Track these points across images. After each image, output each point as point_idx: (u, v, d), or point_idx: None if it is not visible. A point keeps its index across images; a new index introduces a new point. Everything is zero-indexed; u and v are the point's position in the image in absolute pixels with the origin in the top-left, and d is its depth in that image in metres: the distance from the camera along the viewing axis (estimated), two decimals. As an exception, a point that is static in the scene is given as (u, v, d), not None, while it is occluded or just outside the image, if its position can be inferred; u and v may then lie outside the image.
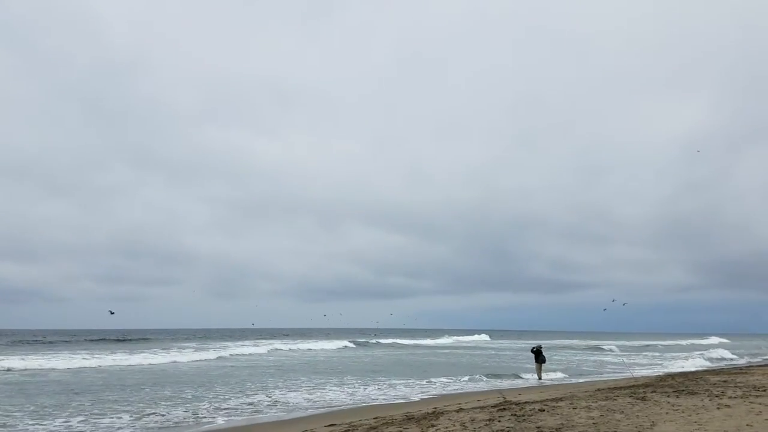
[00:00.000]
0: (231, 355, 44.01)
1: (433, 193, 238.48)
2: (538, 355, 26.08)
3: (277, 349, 52.61)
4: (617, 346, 66.23)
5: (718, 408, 11.85)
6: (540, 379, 25.62)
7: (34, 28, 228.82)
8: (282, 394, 20.23)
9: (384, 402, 18.52)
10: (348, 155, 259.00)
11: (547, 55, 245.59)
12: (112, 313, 42.22)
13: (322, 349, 55.78)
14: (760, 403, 12.32)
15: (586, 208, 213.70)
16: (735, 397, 13.50)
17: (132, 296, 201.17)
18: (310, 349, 54.64)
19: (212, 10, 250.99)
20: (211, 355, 42.10)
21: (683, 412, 11.46)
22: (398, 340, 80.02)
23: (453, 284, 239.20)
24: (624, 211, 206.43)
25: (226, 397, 19.49)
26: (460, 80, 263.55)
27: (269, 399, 19.04)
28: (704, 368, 33.04)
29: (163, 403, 18.00)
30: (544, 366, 26.73)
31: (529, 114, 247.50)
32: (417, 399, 19.11)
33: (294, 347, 55.03)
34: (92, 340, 72.38)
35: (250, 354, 46.41)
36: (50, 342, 66.90)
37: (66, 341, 69.59)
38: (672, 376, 24.48)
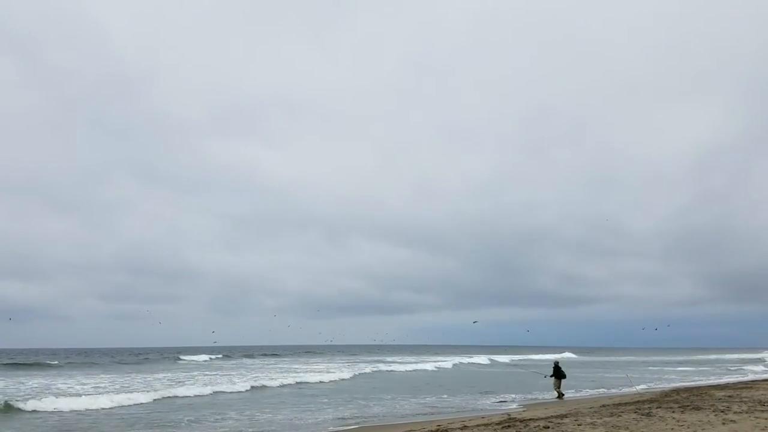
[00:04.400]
0: (390, 370, 47.09)
1: (440, 207, 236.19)
2: (558, 371, 25.84)
3: (442, 366, 55.44)
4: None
5: (724, 423, 11.78)
6: (561, 395, 25.25)
7: (39, 41, 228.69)
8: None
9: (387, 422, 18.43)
10: (355, 168, 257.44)
11: (558, 64, 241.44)
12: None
13: (470, 363, 63.23)
14: (765, 418, 12.25)
15: (596, 220, 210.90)
16: (740, 412, 13.42)
17: (137, 314, 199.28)
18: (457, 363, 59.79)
19: (219, 23, 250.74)
20: (367, 369, 45.79)
21: (689, 427, 11.39)
22: (493, 357, 79.07)
23: (460, 299, 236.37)
24: (634, 223, 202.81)
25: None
26: (469, 90, 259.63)
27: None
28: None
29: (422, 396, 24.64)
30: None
31: (538, 124, 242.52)
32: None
33: (433, 366, 56.44)
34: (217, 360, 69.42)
35: (419, 369, 49.14)
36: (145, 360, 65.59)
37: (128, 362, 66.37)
38: (677, 391, 24.31)
